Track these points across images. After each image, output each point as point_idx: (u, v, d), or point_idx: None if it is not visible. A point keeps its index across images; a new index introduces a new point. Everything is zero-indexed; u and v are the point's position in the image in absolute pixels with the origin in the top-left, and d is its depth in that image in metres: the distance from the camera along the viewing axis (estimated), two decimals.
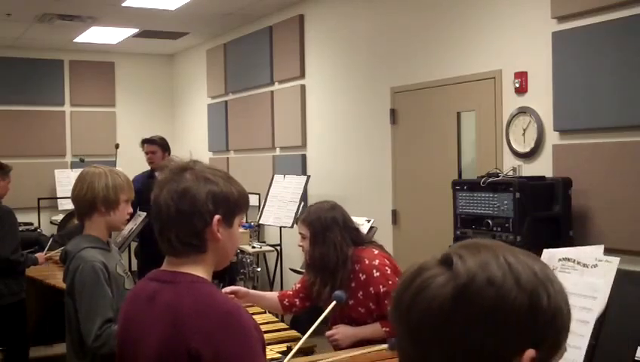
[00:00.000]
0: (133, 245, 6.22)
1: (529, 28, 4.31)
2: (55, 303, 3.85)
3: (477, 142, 4.76)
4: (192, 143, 9.12)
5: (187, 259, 1.61)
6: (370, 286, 2.92)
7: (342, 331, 2.96)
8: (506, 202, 3.71)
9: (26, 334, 4.86)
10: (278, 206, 6.18)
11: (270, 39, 7.28)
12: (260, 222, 6.49)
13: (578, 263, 2.46)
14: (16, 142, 8.75)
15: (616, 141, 3.83)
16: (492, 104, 4.58)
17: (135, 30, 8.00)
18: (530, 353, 0.90)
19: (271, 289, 6.52)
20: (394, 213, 5.53)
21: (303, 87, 6.83)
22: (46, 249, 5.31)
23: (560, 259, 2.54)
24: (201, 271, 1.62)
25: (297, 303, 3.22)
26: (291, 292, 3.26)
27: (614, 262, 2.36)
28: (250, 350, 1.50)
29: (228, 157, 8.30)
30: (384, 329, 2.91)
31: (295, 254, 5.84)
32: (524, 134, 4.34)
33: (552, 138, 4.19)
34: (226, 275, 6.03)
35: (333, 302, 2.84)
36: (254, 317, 3.10)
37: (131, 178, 2.79)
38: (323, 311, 3.13)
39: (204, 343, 1.46)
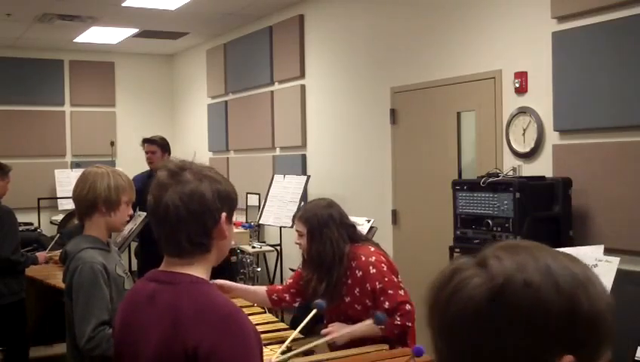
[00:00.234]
0: (133, 245, 6.22)
1: (529, 28, 4.31)
2: (55, 303, 3.85)
3: (477, 142, 4.76)
4: (192, 143, 9.13)
5: (191, 259, 1.61)
6: (366, 283, 2.93)
7: (337, 329, 2.96)
8: (506, 202, 3.71)
9: (25, 334, 4.86)
10: (278, 206, 6.18)
11: (270, 39, 7.28)
12: (260, 222, 6.49)
13: None
14: (16, 142, 8.75)
15: (616, 141, 3.83)
16: (492, 104, 4.58)
17: (135, 30, 8.00)
18: (568, 359, 0.87)
19: None
20: (394, 213, 5.53)
21: (303, 87, 6.83)
22: (49, 248, 5.32)
23: None
24: (200, 271, 1.62)
25: (287, 298, 3.22)
26: (281, 287, 3.27)
27: (614, 262, 2.36)
28: (248, 353, 1.50)
29: (228, 158, 8.30)
30: (380, 327, 2.91)
31: (295, 254, 5.84)
32: (524, 134, 4.34)
33: (552, 138, 4.19)
34: (225, 275, 6.02)
35: (314, 311, 2.87)
36: (255, 316, 3.12)
37: (131, 178, 2.79)
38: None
39: (202, 344, 1.46)
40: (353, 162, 6.11)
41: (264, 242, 6.98)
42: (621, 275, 2.38)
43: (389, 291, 2.92)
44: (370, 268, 2.94)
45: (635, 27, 3.68)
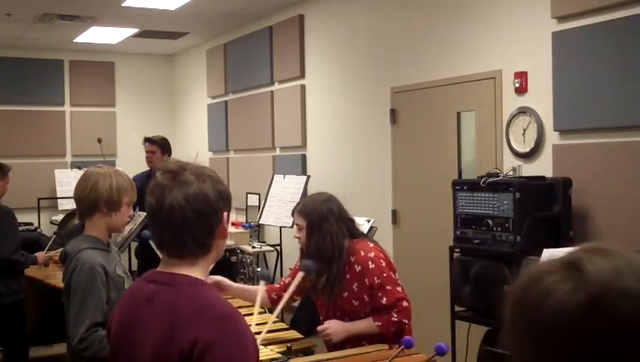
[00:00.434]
0: (133, 245, 6.22)
1: (529, 28, 4.31)
2: (55, 303, 3.85)
3: (477, 142, 4.76)
4: (192, 143, 9.13)
5: (193, 260, 1.60)
6: (365, 278, 2.93)
7: (334, 326, 2.96)
8: (506, 202, 3.71)
9: (25, 334, 4.86)
10: (278, 206, 6.18)
11: (270, 39, 7.28)
12: (260, 222, 6.49)
13: None
14: (16, 142, 8.74)
15: (616, 141, 3.83)
16: (492, 104, 4.58)
17: (135, 30, 8.00)
18: None
19: None
20: (394, 213, 5.53)
21: (303, 87, 6.83)
22: (46, 248, 5.32)
23: None
24: (200, 271, 1.62)
25: None
26: (279, 286, 3.27)
27: None
28: (245, 354, 1.50)
29: (228, 158, 8.30)
30: (376, 323, 2.91)
31: (295, 254, 5.84)
32: (524, 134, 4.34)
33: (552, 138, 4.19)
34: (225, 275, 6.02)
35: (300, 274, 2.94)
36: (256, 316, 3.12)
37: (130, 177, 2.79)
38: (316, 307, 3.17)
39: (199, 342, 1.46)
40: (353, 162, 6.10)
41: (264, 242, 6.98)
42: None
43: (387, 287, 2.92)
44: (369, 263, 2.94)
45: (635, 27, 3.68)
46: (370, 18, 5.84)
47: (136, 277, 1.74)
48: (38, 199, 8.21)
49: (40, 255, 5.06)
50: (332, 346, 3.00)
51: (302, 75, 6.83)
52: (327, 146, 6.49)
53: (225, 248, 1.92)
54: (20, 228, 5.17)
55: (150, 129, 7.76)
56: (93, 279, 2.47)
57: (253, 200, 7.26)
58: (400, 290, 2.95)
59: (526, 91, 4.34)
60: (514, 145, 4.41)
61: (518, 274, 0.97)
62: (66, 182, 8.39)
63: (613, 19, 3.80)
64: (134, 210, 3.42)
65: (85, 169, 2.79)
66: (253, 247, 6.60)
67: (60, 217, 7.84)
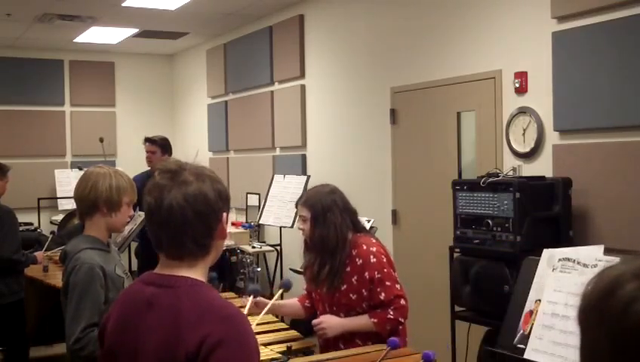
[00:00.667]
0: (133, 245, 6.23)
1: (529, 28, 4.31)
2: (55, 303, 3.84)
3: (477, 142, 4.76)
4: (192, 143, 9.13)
5: (192, 261, 1.59)
6: (365, 271, 2.93)
7: (329, 320, 2.96)
8: (506, 202, 3.71)
9: (25, 334, 4.86)
10: (278, 206, 6.18)
11: (270, 39, 7.28)
12: (260, 222, 6.49)
13: (578, 263, 2.46)
14: (16, 142, 8.75)
15: (616, 141, 3.83)
16: (492, 104, 4.58)
17: (135, 30, 8.00)
18: None
19: (271, 289, 6.53)
20: (394, 213, 5.53)
21: (303, 87, 6.83)
22: (44, 247, 5.32)
23: (560, 259, 2.54)
24: (200, 273, 1.61)
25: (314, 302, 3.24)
26: (305, 294, 3.28)
27: (614, 262, 2.36)
28: (249, 355, 1.49)
29: (228, 158, 8.30)
30: (372, 320, 2.91)
31: (295, 254, 5.84)
32: (524, 134, 4.34)
33: (552, 138, 4.19)
34: (225, 275, 6.03)
35: (280, 290, 2.97)
36: (255, 316, 3.12)
37: (131, 177, 2.79)
38: (314, 303, 3.18)
39: (208, 339, 1.44)
40: (353, 162, 6.10)
41: (264, 242, 6.98)
42: None
43: (387, 283, 2.92)
44: (371, 257, 2.94)
45: (635, 27, 3.68)
46: (370, 18, 5.84)
47: (136, 278, 1.73)
48: (38, 199, 8.21)
49: (39, 254, 5.07)
50: (325, 345, 3.00)
51: (302, 75, 6.83)
52: (327, 146, 6.49)
53: (225, 248, 1.92)
54: (20, 228, 5.18)
55: (150, 129, 7.76)
56: (91, 279, 2.47)
57: (253, 200, 7.26)
58: (399, 288, 2.95)
59: (526, 91, 4.34)
60: (514, 145, 4.41)
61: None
62: (66, 182, 8.39)
63: (613, 19, 3.80)
64: (134, 210, 3.42)
65: (85, 169, 2.79)
66: (253, 247, 6.60)
67: (60, 217, 7.85)
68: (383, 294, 2.90)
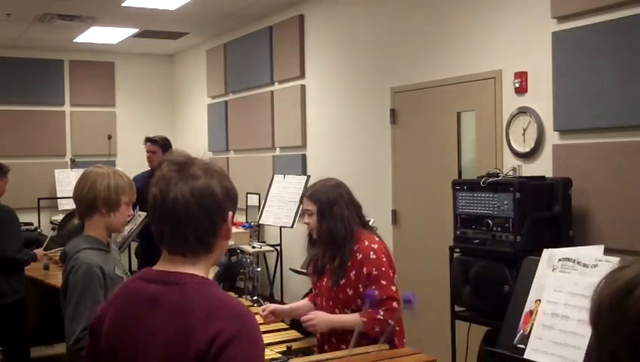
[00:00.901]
0: (133, 245, 6.23)
1: (529, 28, 4.31)
2: (55, 303, 3.84)
3: (477, 142, 4.76)
4: (192, 143, 9.13)
5: (195, 258, 1.54)
6: (363, 267, 2.93)
7: (319, 316, 2.97)
8: (506, 202, 3.71)
9: (26, 333, 4.87)
10: (278, 206, 6.18)
11: (270, 39, 7.28)
12: (260, 222, 6.49)
13: (578, 263, 2.46)
14: (16, 142, 8.75)
15: (616, 141, 3.83)
16: (492, 104, 4.58)
17: (135, 30, 8.00)
18: None
19: (271, 290, 6.54)
20: (394, 213, 5.53)
21: (303, 87, 6.83)
22: (44, 245, 5.33)
23: (560, 259, 2.54)
24: (202, 271, 1.56)
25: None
26: (314, 293, 3.25)
27: (614, 262, 2.36)
28: (259, 353, 1.48)
29: (228, 158, 8.30)
30: (362, 319, 2.88)
31: (295, 254, 5.85)
32: (524, 134, 4.34)
33: (552, 138, 4.19)
34: (226, 275, 6.02)
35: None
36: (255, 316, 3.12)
37: (131, 178, 2.79)
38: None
39: (220, 335, 1.42)
40: (353, 162, 6.10)
41: (264, 242, 6.98)
42: None
43: (382, 281, 2.91)
44: (371, 253, 2.94)
45: (635, 27, 3.68)
46: (370, 18, 5.84)
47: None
48: (38, 199, 8.22)
49: (39, 251, 5.08)
50: (320, 340, 3.01)
51: (302, 75, 6.83)
52: (327, 146, 6.49)
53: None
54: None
55: (150, 129, 7.75)
56: (90, 279, 2.47)
57: (253, 200, 7.26)
58: (394, 289, 2.94)
59: (526, 91, 4.34)
60: (514, 145, 4.41)
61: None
62: (66, 182, 8.39)
63: (613, 19, 3.80)
64: (134, 210, 3.42)
65: (80, 165, 2.79)
66: (253, 247, 6.60)
67: (59, 217, 7.85)
68: (376, 292, 2.90)
